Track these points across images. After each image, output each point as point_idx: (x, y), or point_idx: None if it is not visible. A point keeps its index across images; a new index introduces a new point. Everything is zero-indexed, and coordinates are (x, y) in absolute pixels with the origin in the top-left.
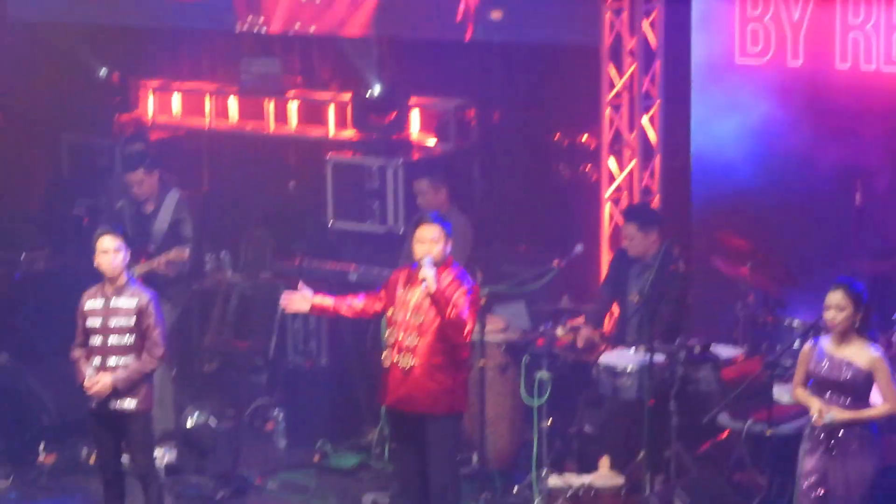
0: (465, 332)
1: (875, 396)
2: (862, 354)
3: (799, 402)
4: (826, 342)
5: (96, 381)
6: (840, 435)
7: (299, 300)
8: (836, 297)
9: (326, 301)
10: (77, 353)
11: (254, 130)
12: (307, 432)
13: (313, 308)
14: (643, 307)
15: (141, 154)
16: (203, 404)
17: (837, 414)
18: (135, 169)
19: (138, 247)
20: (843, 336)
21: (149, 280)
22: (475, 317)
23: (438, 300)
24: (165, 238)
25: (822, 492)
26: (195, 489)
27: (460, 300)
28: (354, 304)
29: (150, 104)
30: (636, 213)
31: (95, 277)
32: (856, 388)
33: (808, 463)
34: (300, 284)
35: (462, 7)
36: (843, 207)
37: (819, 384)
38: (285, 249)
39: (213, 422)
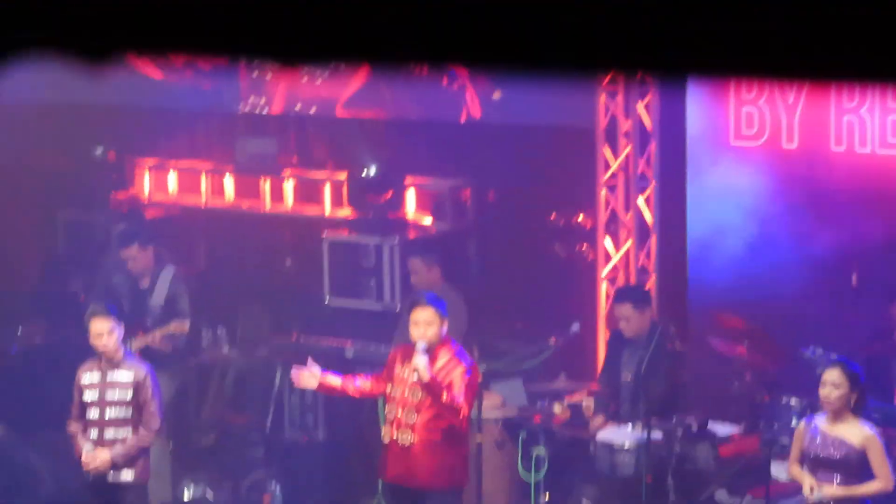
0: (461, 416)
1: None
2: (855, 433)
3: (793, 480)
4: (821, 420)
5: (95, 456)
6: None
7: (308, 377)
8: (832, 375)
9: (334, 380)
10: (73, 427)
11: (250, 209)
12: None
13: (321, 386)
14: (636, 386)
15: (135, 230)
16: (199, 477)
17: (828, 490)
18: (129, 245)
19: (135, 322)
20: (838, 414)
21: (146, 354)
22: (473, 396)
23: (432, 388)
24: (162, 313)
25: None
26: None
27: (457, 380)
28: (362, 385)
29: (146, 182)
30: (630, 294)
31: (91, 351)
32: (849, 467)
33: None
34: (309, 361)
35: (469, 95)
36: (839, 288)
37: (813, 462)
38: (281, 326)
39: (209, 494)
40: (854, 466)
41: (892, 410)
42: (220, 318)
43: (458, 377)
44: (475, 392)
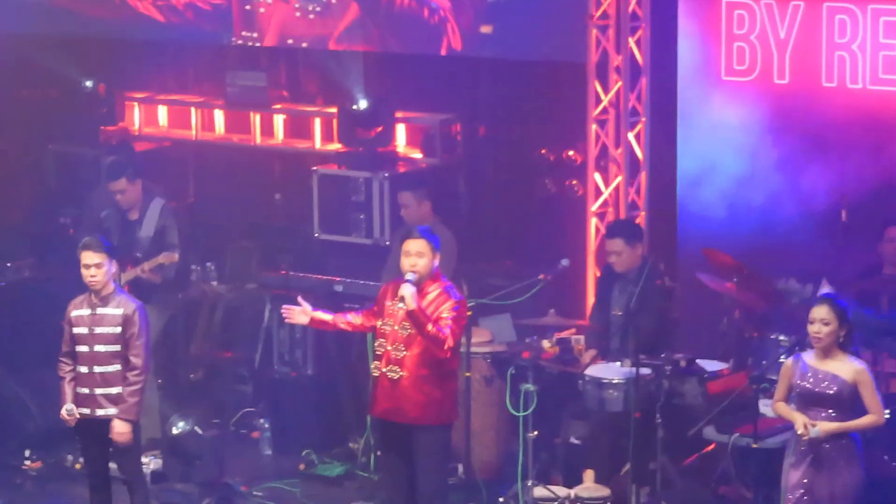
0: (445, 347)
1: None
2: (846, 368)
3: (780, 417)
4: (809, 357)
5: (117, 432)
6: (824, 448)
7: (299, 313)
8: (820, 312)
9: (325, 316)
10: (63, 370)
11: (240, 142)
12: (293, 441)
13: (313, 321)
14: (625, 322)
15: (124, 163)
16: (188, 413)
17: (824, 426)
18: (118, 178)
19: (125, 254)
20: (827, 351)
21: (136, 286)
22: (461, 331)
23: (417, 317)
24: (152, 244)
25: None
26: (180, 497)
27: (445, 314)
28: (353, 319)
29: (136, 116)
30: (622, 229)
31: (81, 286)
32: (841, 402)
33: (793, 476)
34: (300, 298)
35: (450, 27)
36: (828, 224)
37: (804, 398)
38: (271, 260)
39: (198, 430)
40: (846, 401)
41: (883, 320)
42: (209, 253)
43: (446, 311)
44: (463, 327)
